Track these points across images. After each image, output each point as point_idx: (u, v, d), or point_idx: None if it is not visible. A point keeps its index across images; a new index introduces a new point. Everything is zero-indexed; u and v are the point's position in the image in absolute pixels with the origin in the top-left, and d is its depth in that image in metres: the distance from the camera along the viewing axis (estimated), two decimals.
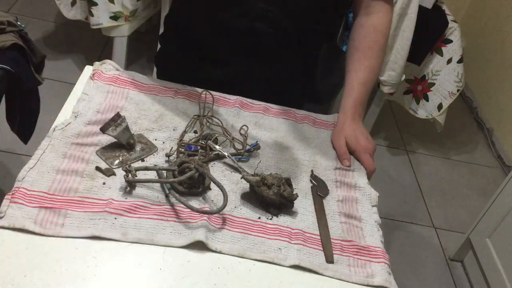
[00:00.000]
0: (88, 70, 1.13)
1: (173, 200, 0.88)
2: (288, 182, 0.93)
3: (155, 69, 1.40)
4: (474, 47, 3.28)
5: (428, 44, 2.28)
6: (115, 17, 2.18)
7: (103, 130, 0.93)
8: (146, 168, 0.90)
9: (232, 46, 1.19)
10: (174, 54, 1.29)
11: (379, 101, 2.49)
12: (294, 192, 0.92)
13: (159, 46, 1.39)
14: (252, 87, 1.19)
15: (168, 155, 0.96)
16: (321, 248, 0.88)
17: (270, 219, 0.91)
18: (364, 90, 1.16)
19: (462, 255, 2.21)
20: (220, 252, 0.82)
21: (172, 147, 0.99)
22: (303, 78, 1.32)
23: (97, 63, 1.14)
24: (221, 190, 0.88)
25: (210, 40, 1.20)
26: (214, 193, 0.92)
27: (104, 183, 0.87)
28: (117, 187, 0.87)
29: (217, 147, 1.00)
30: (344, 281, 0.84)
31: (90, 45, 2.74)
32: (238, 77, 1.22)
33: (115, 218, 0.82)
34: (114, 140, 0.95)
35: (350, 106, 1.15)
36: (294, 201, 0.92)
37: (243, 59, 1.20)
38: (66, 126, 0.96)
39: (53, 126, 0.95)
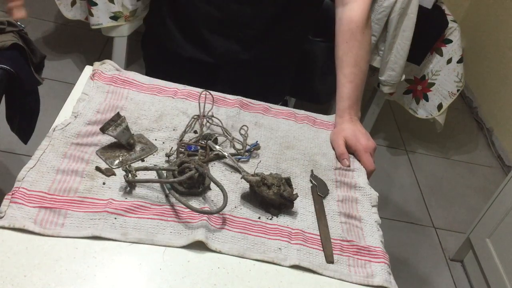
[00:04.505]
0: (88, 70, 1.13)
1: (173, 200, 0.88)
2: (288, 182, 0.93)
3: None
4: (474, 47, 3.28)
5: (428, 44, 2.28)
6: (115, 17, 2.18)
7: (103, 130, 0.93)
8: (146, 168, 0.90)
9: (217, 28, 1.19)
10: (158, 35, 1.29)
11: (379, 101, 2.49)
12: (294, 192, 0.92)
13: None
14: (236, 71, 1.20)
15: (168, 155, 0.96)
16: (321, 248, 0.88)
17: (270, 219, 0.91)
18: (354, 87, 1.15)
19: (462, 255, 2.21)
20: (220, 252, 0.82)
21: (172, 147, 0.99)
22: (286, 64, 1.33)
23: (97, 63, 1.14)
24: (221, 190, 0.88)
25: (195, 22, 1.20)
26: (214, 193, 0.92)
27: (104, 183, 0.87)
28: (117, 187, 0.87)
29: (217, 147, 1.00)
30: (344, 281, 0.84)
31: (90, 45, 2.74)
32: (222, 59, 1.23)
33: (115, 218, 0.82)
34: (114, 140, 0.95)
35: (345, 108, 1.15)
36: (294, 201, 0.92)
37: (228, 42, 1.20)
38: (66, 126, 0.96)
39: (53, 126, 0.95)
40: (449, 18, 2.26)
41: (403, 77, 2.29)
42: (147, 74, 1.16)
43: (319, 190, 0.99)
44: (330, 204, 0.97)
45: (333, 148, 1.11)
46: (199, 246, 0.81)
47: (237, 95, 1.16)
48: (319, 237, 0.90)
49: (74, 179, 0.87)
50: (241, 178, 0.93)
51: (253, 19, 1.16)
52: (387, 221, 2.30)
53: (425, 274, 2.13)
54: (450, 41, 2.27)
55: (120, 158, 0.94)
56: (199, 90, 1.14)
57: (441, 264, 2.20)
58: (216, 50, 1.22)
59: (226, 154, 0.99)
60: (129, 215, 0.83)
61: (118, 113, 0.95)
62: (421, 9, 2.11)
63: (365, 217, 0.97)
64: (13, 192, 0.81)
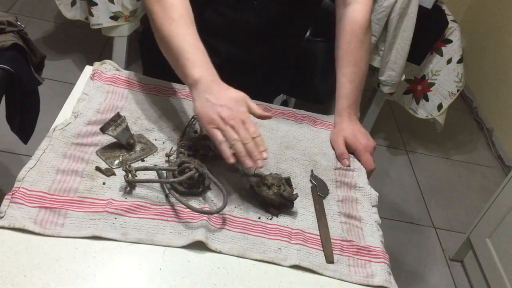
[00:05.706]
0: (88, 70, 1.13)
1: (173, 200, 0.88)
2: (288, 182, 0.93)
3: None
4: (474, 47, 3.28)
5: (428, 44, 2.28)
6: (115, 17, 2.18)
7: (103, 130, 0.93)
8: (146, 168, 0.90)
9: (217, 31, 1.19)
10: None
11: (379, 101, 2.49)
12: (294, 192, 0.92)
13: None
14: (235, 71, 1.20)
15: (168, 155, 0.96)
16: (321, 248, 0.88)
17: (270, 219, 0.91)
18: (353, 87, 1.15)
19: (462, 255, 2.21)
20: (220, 252, 0.82)
21: (172, 147, 0.99)
22: (286, 63, 1.33)
23: (97, 63, 1.14)
24: (221, 190, 0.88)
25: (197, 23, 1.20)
26: (214, 193, 0.92)
27: (104, 183, 0.87)
28: (117, 187, 0.87)
29: None
30: (344, 281, 0.84)
31: (90, 45, 2.74)
32: (221, 61, 1.23)
33: (115, 218, 0.82)
34: (114, 140, 0.95)
35: (344, 107, 1.15)
36: (294, 201, 0.92)
37: (227, 44, 1.20)
38: (66, 126, 0.96)
39: (53, 126, 0.95)
40: (449, 18, 2.26)
41: (403, 77, 2.29)
42: (144, 74, 1.15)
43: (319, 190, 0.99)
44: (330, 204, 0.97)
45: (333, 148, 1.12)
46: (199, 246, 0.81)
47: None
48: (319, 237, 0.90)
49: (74, 179, 0.87)
50: (241, 178, 0.93)
51: (253, 22, 1.16)
52: (387, 221, 2.30)
53: (425, 274, 2.13)
54: (450, 41, 2.27)
55: (120, 158, 0.94)
56: None
57: (441, 264, 2.20)
58: (215, 52, 1.22)
59: None
60: (129, 215, 0.83)
61: (118, 113, 0.95)
62: (421, 9, 2.11)
63: (365, 217, 0.97)
64: (13, 192, 0.81)
